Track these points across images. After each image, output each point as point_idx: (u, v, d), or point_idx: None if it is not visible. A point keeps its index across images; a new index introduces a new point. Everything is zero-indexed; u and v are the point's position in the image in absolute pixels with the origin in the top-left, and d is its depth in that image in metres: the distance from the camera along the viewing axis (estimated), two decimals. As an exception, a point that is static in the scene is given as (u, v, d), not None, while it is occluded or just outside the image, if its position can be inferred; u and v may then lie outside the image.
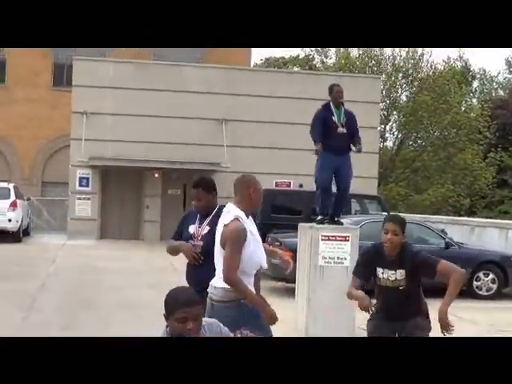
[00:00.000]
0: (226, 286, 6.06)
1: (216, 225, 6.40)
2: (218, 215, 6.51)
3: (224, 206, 6.55)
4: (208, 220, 6.77)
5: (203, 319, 4.44)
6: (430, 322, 6.61)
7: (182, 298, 4.28)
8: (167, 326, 4.34)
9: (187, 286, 6.26)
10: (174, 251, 7.14)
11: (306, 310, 11.10)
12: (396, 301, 6.47)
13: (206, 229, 6.74)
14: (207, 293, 6.19)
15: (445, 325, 6.09)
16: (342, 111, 11.33)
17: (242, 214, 6.18)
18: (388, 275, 6.48)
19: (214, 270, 6.29)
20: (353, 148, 11.41)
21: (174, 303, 4.25)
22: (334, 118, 11.24)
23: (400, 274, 6.43)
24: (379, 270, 6.54)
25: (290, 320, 11.62)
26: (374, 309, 6.49)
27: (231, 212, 6.22)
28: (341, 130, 11.22)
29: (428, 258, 6.58)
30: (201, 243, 6.71)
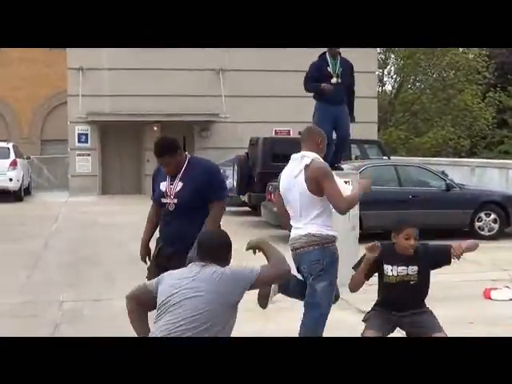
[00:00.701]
0: (311, 232, 6.33)
1: (190, 178, 6.39)
2: (189, 168, 6.46)
3: (193, 156, 6.63)
4: (179, 176, 6.47)
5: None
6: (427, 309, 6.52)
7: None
8: None
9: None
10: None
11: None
12: (401, 293, 6.27)
13: (179, 185, 6.45)
14: (189, 248, 6.18)
15: (458, 252, 6.13)
16: (337, 61, 11.23)
17: (318, 156, 6.44)
18: (397, 271, 6.27)
19: (193, 223, 6.32)
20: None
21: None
22: (329, 69, 11.16)
23: (412, 269, 6.26)
24: (387, 268, 6.31)
25: (293, 267, 11.64)
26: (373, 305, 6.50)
27: (307, 156, 6.41)
28: (335, 80, 11.13)
29: (438, 245, 6.50)
30: (175, 201, 6.45)
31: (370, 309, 6.57)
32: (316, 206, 6.37)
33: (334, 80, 11.14)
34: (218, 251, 5.02)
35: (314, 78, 11.26)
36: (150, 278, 6.50)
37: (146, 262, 7.03)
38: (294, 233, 6.56)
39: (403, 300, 6.29)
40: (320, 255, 6.36)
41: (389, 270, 6.28)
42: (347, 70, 11.34)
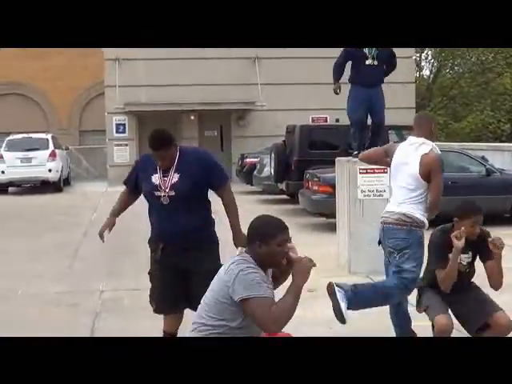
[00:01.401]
0: (405, 212, 6.45)
1: (186, 169, 6.15)
2: (182, 159, 6.20)
3: (182, 146, 6.37)
4: (174, 167, 6.17)
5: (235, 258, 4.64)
6: None
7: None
8: None
9: None
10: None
11: (348, 245, 11.07)
12: (459, 285, 6.27)
13: (175, 177, 6.13)
14: (192, 240, 6.13)
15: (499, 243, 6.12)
16: None
17: (435, 146, 6.64)
18: (460, 259, 6.26)
19: (197, 215, 6.19)
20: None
21: None
22: (365, 50, 11.04)
23: (467, 257, 6.31)
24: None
25: (333, 255, 11.62)
26: None
27: (426, 144, 6.60)
28: (370, 61, 11.02)
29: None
30: (171, 193, 6.13)
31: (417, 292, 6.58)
32: (419, 190, 6.53)
33: (368, 61, 11.03)
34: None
35: (345, 62, 11.23)
36: (155, 283, 6.48)
37: (102, 237, 6.85)
38: (389, 207, 6.70)
39: (457, 288, 6.27)
40: (406, 235, 6.44)
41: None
42: (384, 51, 11.15)
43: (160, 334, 6.51)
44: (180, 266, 6.15)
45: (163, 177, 6.17)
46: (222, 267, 4.69)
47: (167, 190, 6.13)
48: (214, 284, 4.65)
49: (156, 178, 6.20)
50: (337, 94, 11.16)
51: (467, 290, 6.40)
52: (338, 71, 11.28)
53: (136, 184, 6.53)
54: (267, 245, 4.58)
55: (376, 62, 11.03)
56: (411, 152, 6.60)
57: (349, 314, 6.09)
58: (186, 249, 6.14)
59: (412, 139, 6.75)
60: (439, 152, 6.66)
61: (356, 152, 11.32)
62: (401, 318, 6.85)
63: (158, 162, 6.18)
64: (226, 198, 6.34)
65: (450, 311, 6.36)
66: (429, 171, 6.48)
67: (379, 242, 6.78)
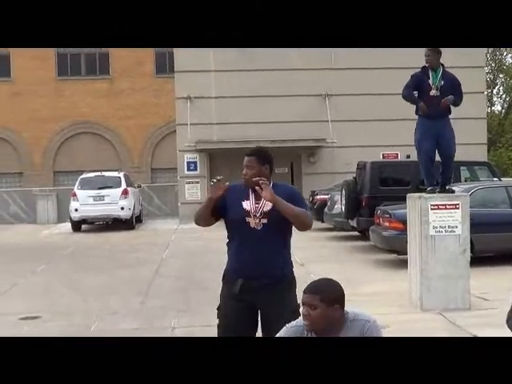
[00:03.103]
0: None
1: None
2: (274, 190, 5.82)
3: (275, 181, 6.11)
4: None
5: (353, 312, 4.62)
6: None
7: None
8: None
9: None
10: (202, 211, 6.06)
11: (420, 282, 10.96)
12: None
13: (268, 205, 5.79)
14: (274, 276, 5.85)
15: None
16: (439, 73, 10.89)
17: None
18: None
19: (280, 251, 5.92)
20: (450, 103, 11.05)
21: None
22: (429, 80, 10.88)
23: None
24: None
25: (404, 292, 11.53)
26: None
27: None
28: (434, 92, 10.84)
29: None
30: (264, 221, 5.81)
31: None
32: None
33: (433, 92, 10.85)
34: None
35: (413, 88, 11.05)
36: (225, 322, 6.00)
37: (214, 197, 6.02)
38: None
39: None
40: None
41: None
42: (449, 81, 10.97)
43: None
44: (257, 305, 5.85)
45: (255, 203, 5.89)
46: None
47: (259, 216, 5.84)
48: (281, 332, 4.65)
49: (247, 204, 5.90)
50: (426, 111, 10.93)
51: None
52: (409, 93, 11.12)
53: (218, 209, 6.03)
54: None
55: (439, 93, 10.88)
56: None
57: None
58: (267, 285, 5.80)
59: None
60: None
61: (430, 188, 11.21)
62: None
63: (244, 169, 5.99)
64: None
65: None
66: None
67: None
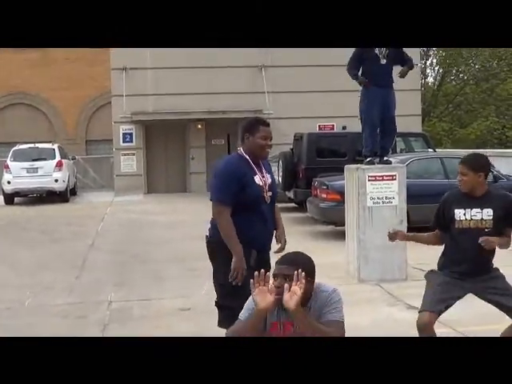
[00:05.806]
0: None
1: (268, 171, 6.13)
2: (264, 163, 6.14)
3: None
4: (263, 167, 6.06)
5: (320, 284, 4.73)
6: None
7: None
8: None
9: None
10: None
11: (357, 253, 11.01)
12: (475, 249, 5.78)
13: (268, 177, 6.05)
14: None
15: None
16: None
17: None
18: (471, 215, 5.86)
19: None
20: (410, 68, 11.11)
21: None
22: (376, 50, 10.92)
23: (487, 213, 5.84)
24: (459, 212, 5.89)
25: (342, 264, 11.57)
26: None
27: None
28: (382, 60, 10.96)
29: None
30: (269, 194, 6.01)
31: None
32: None
33: (382, 61, 10.95)
34: None
35: (359, 61, 11.08)
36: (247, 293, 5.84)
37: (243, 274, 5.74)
38: None
39: (474, 258, 5.87)
40: None
41: (461, 214, 5.89)
42: (394, 49, 10.97)
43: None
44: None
45: (262, 177, 6.00)
46: None
47: (267, 189, 6.01)
48: None
49: (258, 179, 5.96)
50: (365, 84, 11.02)
51: (481, 275, 5.99)
52: (354, 66, 11.12)
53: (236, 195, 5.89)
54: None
55: (384, 61, 10.93)
56: None
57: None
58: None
59: None
60: None
61: (368, 159, 11.21)
62: None
63: (264, 141, 6.01)
64: (277, 209, 6.46)
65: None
66: None
67: None
